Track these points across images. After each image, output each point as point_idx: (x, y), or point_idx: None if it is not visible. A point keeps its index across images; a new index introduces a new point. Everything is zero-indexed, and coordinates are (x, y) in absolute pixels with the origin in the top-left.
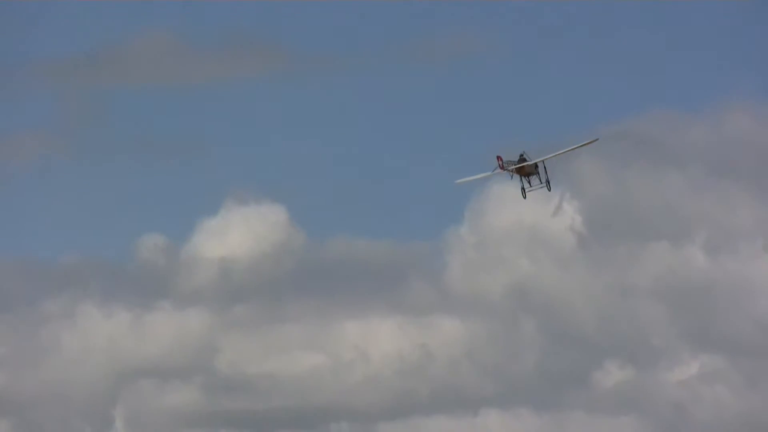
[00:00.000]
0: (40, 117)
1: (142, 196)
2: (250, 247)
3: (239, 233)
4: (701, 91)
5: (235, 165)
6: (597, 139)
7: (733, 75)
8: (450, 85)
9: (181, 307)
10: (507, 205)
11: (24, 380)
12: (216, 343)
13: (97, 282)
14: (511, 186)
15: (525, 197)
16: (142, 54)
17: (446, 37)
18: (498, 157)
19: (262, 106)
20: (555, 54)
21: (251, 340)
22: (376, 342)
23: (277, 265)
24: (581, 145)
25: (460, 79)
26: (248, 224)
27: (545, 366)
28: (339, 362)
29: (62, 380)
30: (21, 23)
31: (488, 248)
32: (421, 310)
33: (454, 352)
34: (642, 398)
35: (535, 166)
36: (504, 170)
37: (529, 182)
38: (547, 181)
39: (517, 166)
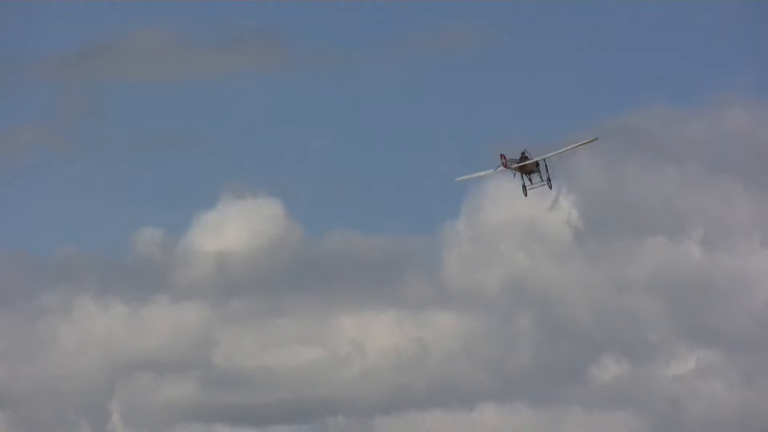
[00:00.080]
0: (37, 111)
1: (138, 190)
2: (246, 240)
3: (236, 227)
4: (698, 87)
5: (231, 159)
6: (597, 138)
7: (730, 70)
8: (448, 80)
9: (177, 300)
10: (503, 200)
11: (20, 374)
12: (213, 337)
13: (93, 275)
14: (508, 181)
15: (526, 195)
16: (138, 49)
17: (444, 33)
18: (501, 155)
19: (258, 100)
20: (552, 49)
21: (248, 333)
22: (372, 336)
23: (274, 259)
24: (582, 144)
25: (459, 75)
26: (245, 218)
27: (542, 360)
28: (335, 356)
29: (59, 374)
30: (18, 19)
31: (485, 243)
32: (417, 305)
33: (450, 346)
34: (638, 393)
35: (537, 164)
36: (507, 168)
37: (530, 180)
38: (548, 179)
39: (520, 164)
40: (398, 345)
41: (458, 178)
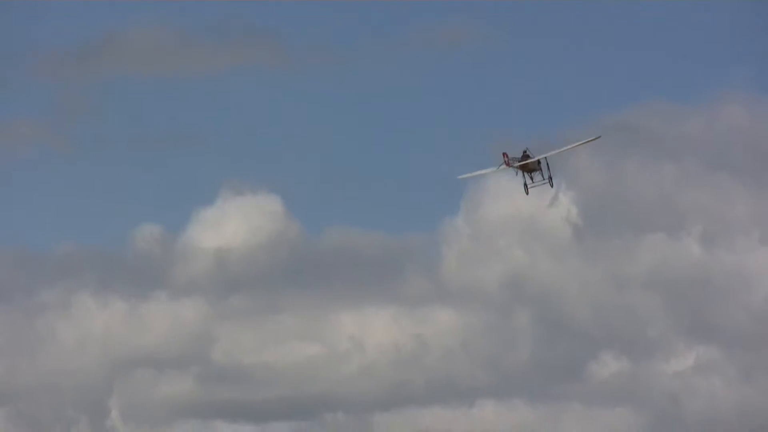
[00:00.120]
0: (37, 108)
1: (138, 187)
2: (246, 237)
3: (235, 223)
4: (698, 84)
5: (231, 155)
6: (599, 137)
7: (729, 67)
8: (447, 78)
9: (177, 297)
10: (503, 197)
11: (19, 370)
12: (212, 334)
13: (93, 272)
14: (507, 178)
15: (527, 193)
16: (138, 46)
17: (443, 30)
18: (504, 154)
19: (257, 97)
20: (551, 47)
21: (247, 330)
22: (371, 332)
23: (273, 255)
24: (584, 142)
25: (458, 72)
26: (244, 214)
27: (541, 357)
28: (334, 353)
29: (58, 370)
30: (18, 16)
31: (484, 239)
32: (417, 301)
33: (449, 343)
34: (637, 390)
35: (538, 162)
36: (510, 167)
37: (531, 178)
38: (550, 178)
39: (522, 163)
40: (397, 341)
41: (461, 176)
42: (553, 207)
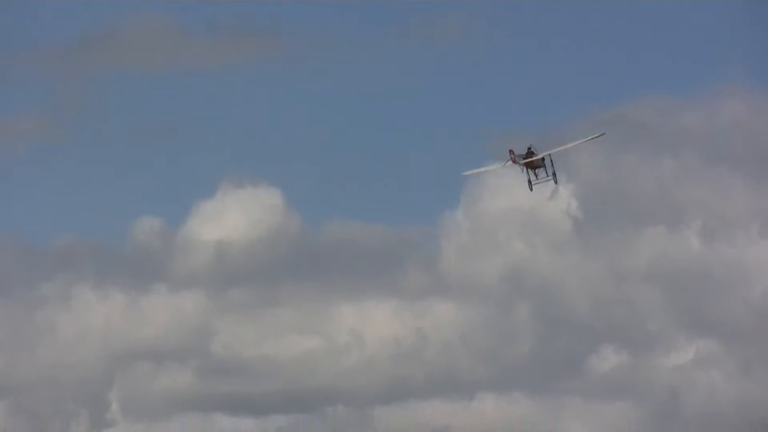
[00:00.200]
0: (36, 101)
1: (138, 179)
2: (246, 230)
3: (235, 216)
4: (697, 78)
5: (231, 148)
6: (604, 134)
7: (728, 62)
8: (447, 70)
9: (176, 290)
10: (503, 191)
11: (19, 363)
12: (212, 326)
13: (92, 265)
14: (507, 172)
15: (532, 189)
16: (137, 39)
17: (442, 26)
18: (510, 151)
19: (258, 90)
20: (550, 41)
21: (247, 323)
22: (371, 326)
23: (273, 248)
24: (588, 139)
25: (458, 67)
26: (244, 207)
27: (541, 350)
28: (334, 346)
29: (58, 363)
30: (17, 9)
31: (484, 233)
32: (417, 295)
33: (449, 336)
34: (637, 383)
35: (542, 159)
36: (516, 163)
37: (535, 175)
38: (554, 174)
39: (528, 160)
40: (397, 335)
41: (465, 173)
42: (553, 200)
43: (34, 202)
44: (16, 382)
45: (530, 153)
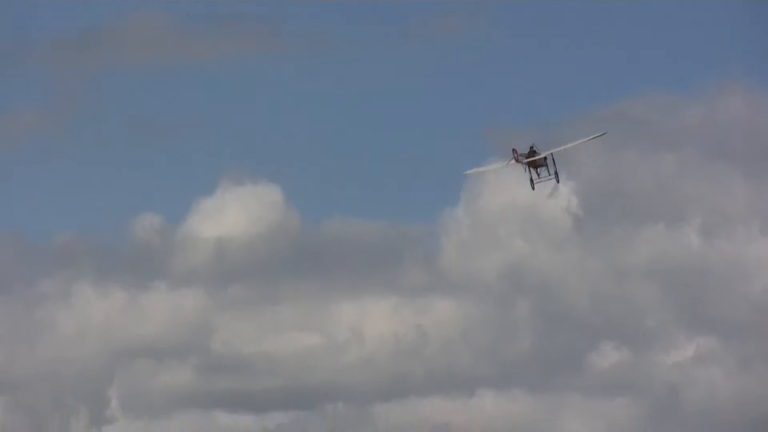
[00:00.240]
0: (36, 97)
1: (137, 176)
2: (245, 227)
3: (235, 213)
4: (697, 75)
5: (230, 145)
6: (606, 133)
7: (728, 59)
8: (447, 67)
9: (176, 287)
10: (503, 187)
11: (19, 360)
12: (211, 323)
13: (92, 262)
14: (508, 168)
15: (534, 188)
16: (137, 34)
17: (442, 23)
18: (513, 150)
19: (257, 86)
20: (551, 38)
21: (247, 320)
22: (371, 323)
23: (273, 245)
24: (590, 138)
25: (458, 63)
26: (244, 204)
27: (540, 347)
28: (334, 343)
29: (58, 360)
30: (14, 5)
31: (484, 230)
32: (416, 291)
33: (449, 333)
34: (637, 380)
35: (545, 158)
36: (518, 162)
37: (537, 174)
38: (556, 173)
39: (531, 159)
40: (397, 332)
41: (467, 171)
42: (553, 197)
43: (34, 198)
44: (16, 379)
45: (533, 152)
